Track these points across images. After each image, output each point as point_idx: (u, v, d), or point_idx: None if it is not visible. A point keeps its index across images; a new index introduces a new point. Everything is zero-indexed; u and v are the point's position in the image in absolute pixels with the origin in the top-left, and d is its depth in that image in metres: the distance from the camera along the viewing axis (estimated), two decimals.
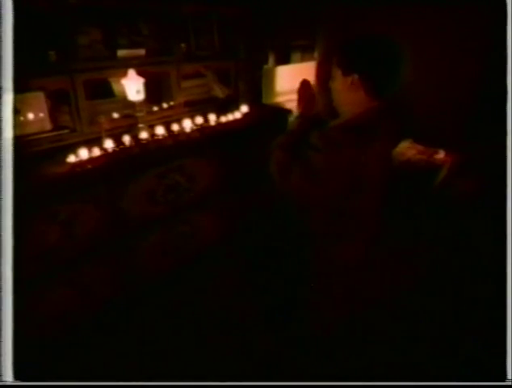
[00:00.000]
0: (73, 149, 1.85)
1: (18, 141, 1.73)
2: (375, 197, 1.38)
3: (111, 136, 1.98)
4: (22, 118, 1.80)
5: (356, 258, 1.49)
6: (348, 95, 1.24)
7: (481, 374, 1.28)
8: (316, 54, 3.58)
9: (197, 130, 2.30)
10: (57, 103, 1.95)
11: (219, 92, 2.68)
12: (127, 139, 2.03)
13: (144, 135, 2.09)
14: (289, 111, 3.01)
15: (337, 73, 1.25)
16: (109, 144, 1.94)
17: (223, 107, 2.56)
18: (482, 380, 1.13)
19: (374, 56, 1.17)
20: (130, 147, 2.02)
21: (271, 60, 3.16)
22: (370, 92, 1.20)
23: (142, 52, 2.18)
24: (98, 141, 1.94)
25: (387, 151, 1.36)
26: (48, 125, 1.91)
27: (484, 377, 1.14)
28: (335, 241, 1.42)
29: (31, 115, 1.83)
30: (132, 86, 2.01)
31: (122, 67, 2.02)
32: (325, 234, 1.42)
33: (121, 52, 2.09)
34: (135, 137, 2.06)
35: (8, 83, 1.09)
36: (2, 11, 1.10)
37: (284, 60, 3.29)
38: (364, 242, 1.49)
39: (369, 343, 1.92)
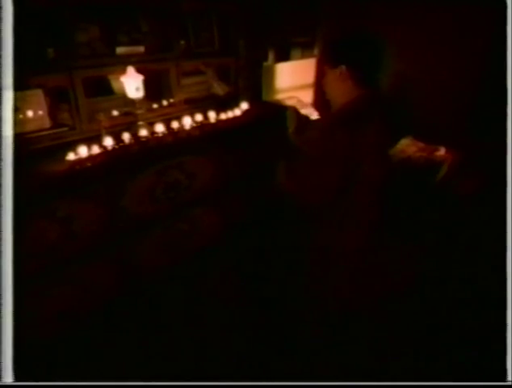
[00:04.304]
0: (72, 146, 1.84)
1: (18, 138, 1.73)
2: (374, 183, 1.41)
3: (110, 133, 1.97)
4: (21, 116, 1.79)
5: (357, 245, 1.52)
6: (338, 86, 1.34)
7: (481, 374, 1.28)
8: (316, 51, 3.57)
9: (197, 127, 2.29)
10: (56, 100, 1.94)
11: (218, 89, 2.67)
12: (126, 137, 2.02)
13: (143, 132, 2.08)
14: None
15: (327, 68, 1.37)
16: (108, 141, 1.94)
17: (223, 105, 2.55)
18: (482, 380, 1.14)
19: (358, 48, 1.29)
20: (129, 145, 2.01)
21: (271, 57, 3.15)
22: (357, 81, 1.30)
23: (141, 49, 2.17)
24: (97, 139, 1.94)
25: (382, 137, 1.38)
26: (47, 123, 1.90)
27: (484, 377, 1.15)
28: (336, 228, 1.44)
29: (30, 113, 1.82)
30: (132, 84, 2.00)
31: (121, 64, 2.01)
32: (325, 222, 1.44)
33: (120, 50, 2.08)
34: (134, 135, 2.06)
35: (8, 81, 1.09)
36: (2, 9, 1.09)
37: (284, 57, 3.28)
38: (364, 229, 1.50)
39: (368, 344, 1.92)
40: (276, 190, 1.47)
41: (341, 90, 1.34)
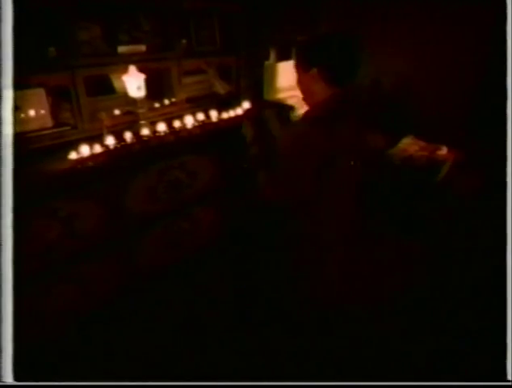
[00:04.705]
0: (74, 145, 1.84)
1: (20, 137, 1.74)
2: (351, 177, 1.47)
3: (112, 132, 1.97)
4: (22, 115, 1.79)
5: (339, 238, 1.56)
6: (311, 87, 1.38)
7: (481, 374, 1.28)
8: None
9: (198, 126, 2.29)
10: (58, 99, 1.94)
11: (220, 88, 2.66)
12: (128, 136, 2.02)
13: (145, 131, 2.08)
14: (291, 107, 3.00)
15: (300, 71, 1.40)
16: (110, 141, 1.94)
17: (224, 104, 2.55)
18: (482, 380, 1.13)
19: (327, 50, 1.31)
20: (131, 144, 2.01)
21: (272, 56, 3.14)
22: (329, 82, 1.33)
23: (143, 48, 2.17)
24: (99, 138, 1.94)
25: (357, 134, 1.45)
26: (49, 122, 1.91)
27: (484, 377, 1.14)
28: (317, 223, 1.48)
29: (31, 112, 1.83)
30: (133, 83, 2.01)
31: (123, 63, 2.01)
32: (306, 218, 1.47)
33: (122, 48, 2.08)
34: (136, 134, 2.06)
35: (8, 80, 1.09)
36: (2, 8, 1.09)
37: (286, 56, 3.27)
38: (346, 222, 1.56)
39: (367, 343, 1.91)
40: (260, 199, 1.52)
41: (314, 91, 1.38)
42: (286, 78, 3.30)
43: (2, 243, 1.08)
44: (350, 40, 1.33)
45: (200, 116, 2.33)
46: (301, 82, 1.43)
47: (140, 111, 2.12)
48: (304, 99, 1.47)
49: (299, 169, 1.32)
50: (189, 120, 2.26)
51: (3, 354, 1.08)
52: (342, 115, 1.34)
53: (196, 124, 2.29)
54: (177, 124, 2.23)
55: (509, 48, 1.20)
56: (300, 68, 1.40)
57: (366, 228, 1.69)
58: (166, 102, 2.40)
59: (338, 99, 1.34)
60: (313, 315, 1.78)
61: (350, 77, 1.36)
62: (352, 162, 1.44)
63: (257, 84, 2.94)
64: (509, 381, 1.14)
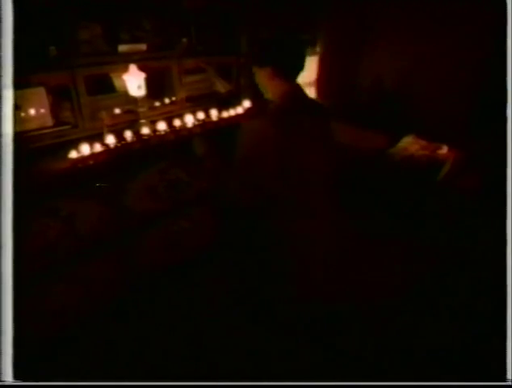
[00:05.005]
0: (74, 144, 1.84)
1: (20, 136, 1.74)
2: (317, 171, 1.52)
3: (112, 131, 1.97)
4: (23, 114, 1.79)
5: (315, 233, 1.60)
6: (268, 84, 1.48)
7: (481, 374, 1.28)
8: (318, 48, 3.56)
9: (199, 125, 2.29)
10: (59, 98, 1.94)
11: (220, 87, 2.66)
12: (128, 135, 2.01)
13: (145, 130, 2.07)
14: None
15: (256, 69, 1.50)
16: (111, 140, 1.93)
17: (225, 103, 2.55)
18: (482, 380, 1.13)
19: (279, 50, 1.43)
20: (132, 143, 2.01)
21: None
22: (283, 79, 1.43)
23: (143, 47, 2.17)
24: (99, 137, 1.93)
25: (316, 128, 1.49)
26: (49, 121, 1.91)
27: (484, 377, 1.14)
28: (292, 216, 1.52)
29: (32, 111, 1.83)
30: (134, 82, 2.00)
31: (123, 62, 2.01)
32: (281, 217, 1.51)
33: (122, 47, 2.08)
34: (136, 133, 2.05)
35: (8, 79, 1.09)
36: (2, 7, 1.09)
37: None
38: (320, 217, 1.59)
39: (367, 343, 1.91)
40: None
41: (271, 88, 1.47)
42: None
43: (2, 243, 1.08)
44: (299, 41, 1.51)
45: (201, 115, 2.32)
46: (259, 80, 1.51)
47: (141, 110, 2.12)
48: (264, 94, 1.55)
49: (258, 165, 1.38)
50: (189, 119, 2.26)
51: (3, 354, 1.08)
52: (297, 112, 1.42)
53: (197, 123, 2.29)
54: (177, 122, 2.22)
55: (509, 48, 1.20)
56: (256, 66, 1.50)
57: (345, 221, 1.71)
58: (167, 101, 2.40)
59: (291, 96, 1.44)
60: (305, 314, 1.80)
61: (299, 73, 1.49)
62: (316, 156, 1.50)
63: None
64: (509, 381, 1.14)
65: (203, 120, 2.32)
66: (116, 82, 2.20)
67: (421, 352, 1.85)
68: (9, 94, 1.09)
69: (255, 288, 1.86)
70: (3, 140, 1.09)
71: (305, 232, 1.56)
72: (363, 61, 3.49)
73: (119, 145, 1.96)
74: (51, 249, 1.75)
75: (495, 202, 1.44)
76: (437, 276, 2.31)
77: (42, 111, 1.87)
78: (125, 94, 2.07)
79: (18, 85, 1.64)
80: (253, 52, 1.59)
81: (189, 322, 2.08)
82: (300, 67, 1.48)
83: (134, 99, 2.07)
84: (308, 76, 3.59)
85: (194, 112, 2.31)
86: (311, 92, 3.70)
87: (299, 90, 1.49)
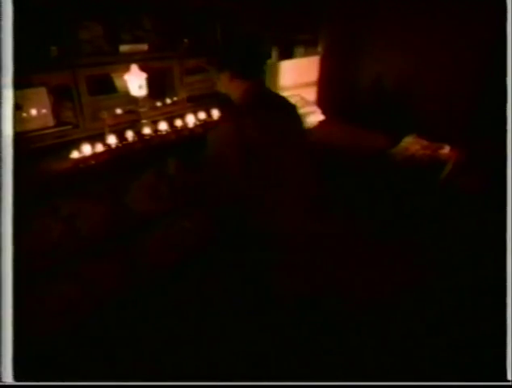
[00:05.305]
0: (76, 145, 1.85)
1: (21, 137, 1.75)
2: (290, 165, 1.52)
3: (113, 131, 1.98)
4: (24, 114, 1.80)
5: (296, 228, 1.62)
6: (229, 87, 1.52)
7: (481, 374, 1.27)
8: (319, 49, 3.56)
9: (200, 125, 2.29)
10: (60, 98, 1.95)
11: (222, 87, 2.66)
12: (130, 135, 2.03)
13: (147, 131, 2.09)
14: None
15: (217, 74, 1.55)
16: (112, 140, 1.95)
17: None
18: (482, 380, 1.13)
19: (234, 54, 1.48)
20: (133, 143, 2.02)
21: (274, 54, 3.14)
22: (242, 78, 1.47)
23: (145, 47, 2.17)
24: (101, 137, 1.94)
25: (280, 122, 1.51)
26: (50, 121, 1.91)
27: (484, 377, 1.14)
28: (270, 209, 1.54)
29: (33, 111, 1.83)
30: (135, 82, 2.01)
31: (124, 62, 2.02)
32: (260, 204, 1.53)
33: (123, 47, 2.08)
34: (138, 133, 2.06)
35: (8, 79, 1.09)
36: (2, 7, 1.09)
37: (287, 54, 3.28)
38: (299, 211, 1.60)
39: (366, 343, 1.91)
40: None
41: (232, 90, 1.51)
42: (288, 76, 3.30)
43: (2, 243, 1.08)
44: (254, 41, 1.53)
45: (202, 115, 2.33)
46: (221, 82, 1.55)
47: (142, 110, 2.12)
48: (228, 95, 1.58)
49: (224, 166, 1.42)
50: (191, 119, 2.27)
51: (3, 354, 1.08)
52: (258, 107, 1.45)
53: (198, 122, 2.30)
54: (179, 123, 2.23)
55: (509, 48, 1.20)
56: (216, 72, 1.55)
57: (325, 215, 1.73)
58: (168, 101, 2.40)
59: (250, 93, 1.47)
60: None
61: (259, 71, 1.54)
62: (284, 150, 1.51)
63: None
64: (509, 381, 1.14)
65: (204, 120, 2.33)
66: (117, 82, 2.21)
67: (421, 351, 1.84)
68: (9, 94, 1.10)
69: (254, 288, 1.87)
70: (4, 140, 1.10)
71: (285, 225, 1.58)
72: (364, 61, 3.49)
73: (120, 145, 1.98)
74: (51, 249, 1.75)
75: (496, 202, 1.44)
76: (437, 275, 2.30)
77: (43, 111, 1.87)
78: (126, 94, 2.08)
79: (20, 85, 1.65)
80: (211, 60, 1.65)
81: (189, 322, 2.08)
82: (257, 66, 1.52)
83: (135, 99, 2.08)
84: (308, 76, 3.60)
85: (195, 112, 2.32)
86: (312, 93, 3.71)
87: (259, 86, 1.52)
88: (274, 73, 3.16)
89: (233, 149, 1.38)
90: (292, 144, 1.54)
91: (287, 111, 1.59)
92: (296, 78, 3.38)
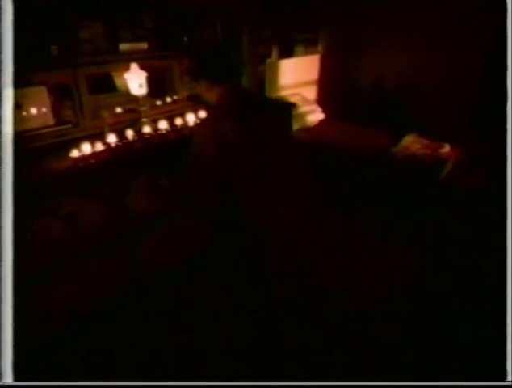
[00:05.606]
0: (76, 143, 1.85)
1: (21, 135, 1.75)
2: (278, 164, 1.57)
3: (114, 130, 1.98)
4: (24, 113, 1.80)
5: (289, 219, 1.67)
6: (208, 94, 1.56)
7: (481, 374, 1.27)
8: (319, 47, 3.56)
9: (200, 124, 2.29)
10: (60, 97, 1.94)
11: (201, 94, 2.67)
12: (130, 133, 2.03)
13: (147, 129, 2.08)
14: (293, 105, 3.00)
15: (195, 84, 1.59)
16: (112, 138, 1.94)
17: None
18: (482, 380, 1.13)
19: (208, 64, 1.55)
20: (133, 142, 2.02)
21: (275, 53, 3.14)
22: (218, 84, 1.53)
23: (145, 45, 2.17)
24: (101, 136, 1.94)
25: (257, 123, 1.55)
26: (50, 120, 1.91)
27: (484, 377, 1.14)
28: (261, 203, 1.57)
29: (33, 110, 1.83)
30: (135, 80, 2.01)
31: (124, 61, 2.02)
32: (247, 204, 1.56)
33: (123, 46, 2.08)
34: (138, 132, 2.06)
35: (8, 78, 1.09)
36: (2, 6, 1.09)
37: (288, 53, 3.27)
38: (294, 205, 1.66)
39: (365, 343, 1.91)
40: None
41: (211, 96, 1.56)
42: (288, 75, 3.30)
43: (3, 243, 1.08)
44: (225, 49, 1.65)
45: (202, 114, 2.33)
46: (200, 93, 1.60)
47: (142, 108, 2.12)
48: (210, 103, 1.61)
49: (205, 165, 1.48)
50: (191, 118, 2.27)
51: (3, 354, 1.08)
52: (236, 105, 1.51)
53: (198, 121, 2.29)
54: (179, 121, 2.23)
55: (509, 47, 1.19)
56: (194, 82, 1.59)
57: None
58: (168, 99, 2.40)
59: (226, 96, 1.52)
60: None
61: (234, 77, 1.62)
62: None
63: (259, 81, 2.94)
64: (509, 381, 1.14)
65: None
66: (117, 81, 2.20)
67: (421, 351, 1.84)
68: (9, 93, 1.09)
69: (253, 288, 1.87)
70: (4, 139, 1.09)
71: (275, 226, 1.62)
72: (364, 59, 3.48)
73: (120, 144, 1.97)
74: (51, 248, 1.75)
75: (496, 201, 1.44)
76: (437, 275, 2.30)
77: (43, 110, 1.87)
78: (126, 93, 2.08)
79: (20, 84, 1.65)
80: (188, 70, 1.78)
81: (189, 322, 2.08)
82: (231, 72, 1.59)
83: (135, 98, 2.08)
84: (309, 75, 3.59)
85: (195, 111, 2.32)
86: (313, 91, 3.71)
87: (234, 90, 1.57)
88: (275, 71, 3.16)
89: (212, 148, 1.44)
90: (273, 144, 1.58)
91: (270, 112, 1.65)
92: (296, 76, 3.38)
